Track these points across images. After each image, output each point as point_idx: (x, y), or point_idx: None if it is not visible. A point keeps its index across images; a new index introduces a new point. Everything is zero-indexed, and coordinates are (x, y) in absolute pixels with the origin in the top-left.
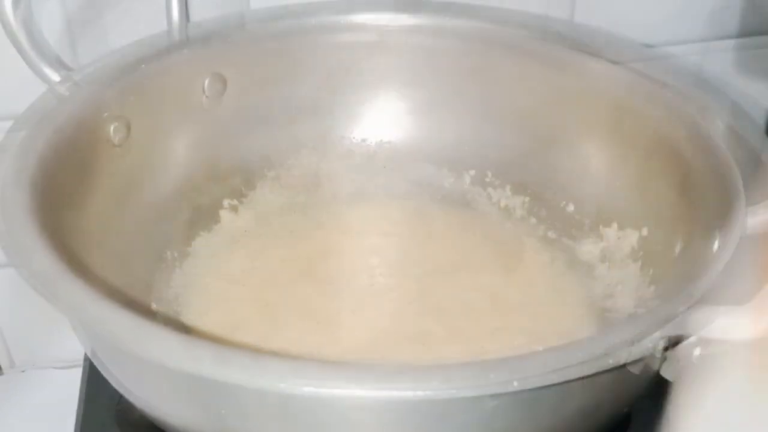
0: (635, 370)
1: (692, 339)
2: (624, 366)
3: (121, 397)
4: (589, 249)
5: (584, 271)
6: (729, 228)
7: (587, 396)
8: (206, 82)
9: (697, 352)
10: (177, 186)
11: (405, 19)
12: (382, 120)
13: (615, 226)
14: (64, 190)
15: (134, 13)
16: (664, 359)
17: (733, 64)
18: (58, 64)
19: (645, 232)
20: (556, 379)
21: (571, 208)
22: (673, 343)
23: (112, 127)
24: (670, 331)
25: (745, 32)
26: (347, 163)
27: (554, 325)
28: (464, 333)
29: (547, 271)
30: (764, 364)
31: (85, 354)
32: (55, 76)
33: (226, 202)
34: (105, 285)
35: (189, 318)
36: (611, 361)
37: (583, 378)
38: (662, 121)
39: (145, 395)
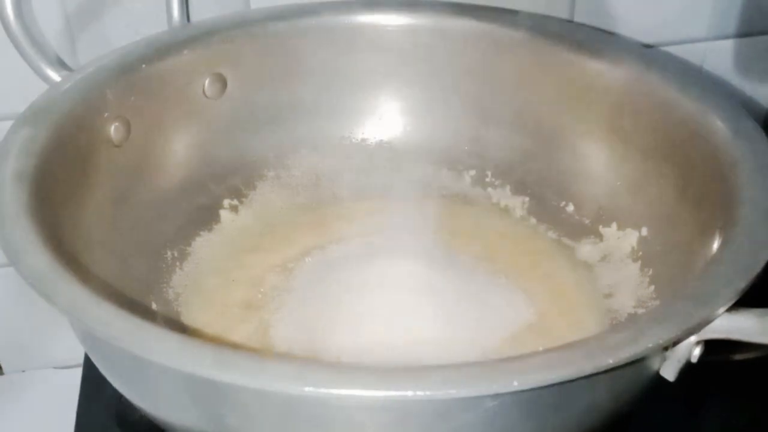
0: (635, 370)
1: (692, 339)
2: (624, 366)
3: (121, 397)
4: (589, 249)
5: (584, 271)
6: (729, 228)
7: (587, 396)
8: (206, 82)
9: (696, 351)
10: (177, 186)
11: (405, 19)
12: (382, 120)
13: (615, 226)
14: (64, 189)
15: (134, 13)
16: (664, 359)
17: (733, 64)
18: (58, 64)
19: (645, 232)
20: (556, 379)
21: (571, 208)
22: (673, 343)
23: (112, 127)
24: (670, 331)
25: (745, 32)
26: (347, 163)
27: (554, 325)
28: (463, 332)
29: (546, 271)
30: None
31: (85, 354)
32: (55, 76)
33: (226, 202)
34: (104, 285)
35: (189, 318)
36: (611, 361)
37: (583, 378)
38: (662, 121)
39: (145, 396)
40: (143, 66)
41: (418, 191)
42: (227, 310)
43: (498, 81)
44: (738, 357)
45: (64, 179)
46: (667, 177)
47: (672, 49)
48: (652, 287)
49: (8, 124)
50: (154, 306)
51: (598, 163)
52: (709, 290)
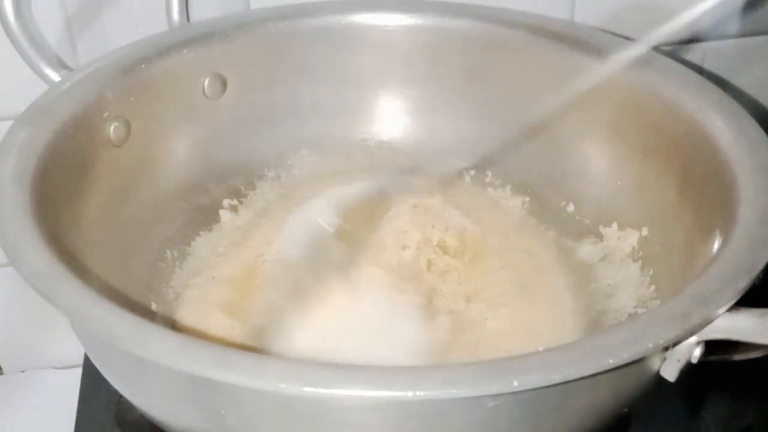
0: (635, 370)
1: (692, 339)
2: (624, 366)
3: (120, 397)
4: (589, 249)
5: (584, 271)
6: (729, 228)
7: (587, 396)
8: (206, 82)
9: (697, 352)
10: (177, 186)
11: (405, 19)
12: (382, 120)
13: (615, 226)
14: (64, 189)
15: (134, 13)
16: (664, 359)
17: (733, 64)
18: (58, 64)
19: (645, 232)
20: (556, 379)
21: (571, 208)
22: (674, 343)
23: (112, 127)
24: (671, 331)
25: (745, 32)
26: (347, 163)
27: (554, 325)
28: (463, 333)
29: (546, 271)
30: None
31: (85, 354)
32: (55, 76)
33: (226, 202)
34: (104, 285)
35: (188, 318)
36: (611, 361)
37: (583, 378)
38: (662, 120)
39: (144, 396)
40: (143, 66)
41: (418, 191)
42: (227, 310)
43: (498, 81)
44: (738, 357)
45: (64, 179)
46: (667, 177)
47: (672, 49)
48: (653, 287)
49: (8, 124)
50: (153, 306)
51: (598, 163)
52: (709, 290)
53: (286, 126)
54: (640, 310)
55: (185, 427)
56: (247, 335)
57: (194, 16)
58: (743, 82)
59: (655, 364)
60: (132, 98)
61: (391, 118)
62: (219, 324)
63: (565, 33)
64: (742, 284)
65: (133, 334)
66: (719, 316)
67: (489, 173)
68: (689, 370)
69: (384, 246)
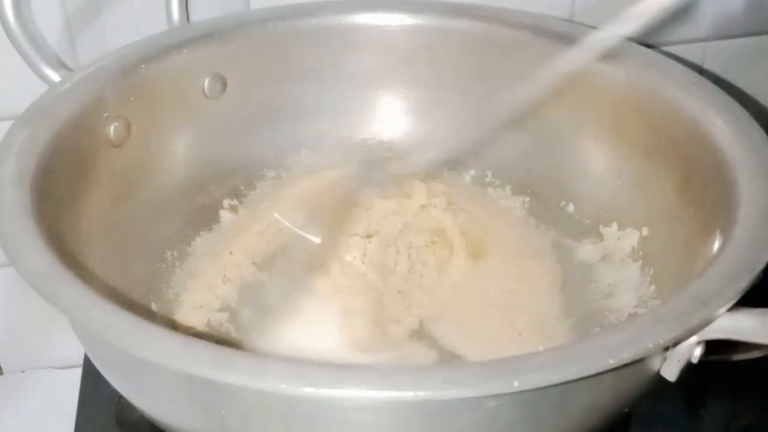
0: (635, 370)
1: (693, 339)
2: (624, 366)
3: (120, 397)
4: (589, 249)
5: (584, 271)
6: (729, 228)
7: (588, 396)
8: (206, 82)
9: (697, 352)
10: (177, 186)
11: (405, 19)
12: (382, 120)
13: (615, 226)
14: (64, 190)
15: (134, 13)
16: (664, 359)
17: (733, 64)
18: (58, 64)
19: (645, 232)
20: (556, 379)
21: (571, 208)
22: (674, 343)
23: (112, 127)
24: (671, 331)
25: (745, 32)
26: (347, 163)
27: (554, 325)
28: (463, 332)
29: (546, 271)
30: None
31: (85, 354)
32: (55, 76)
33: (226, 202)
34: (104, 285)
35: (188, 318)
36: (611, 361)
37: (583, 378)
38: (662, 120)
39: (144, 396)
40: (143, 66)
41: (418, 191)
42: (227, 310)
43: (498, 81)
44: (738, 357)
45: (64, 179)
46: (667, 177)
47: (672, 49)
48: (653, 287)
49: (8, 124)
50: (154, 306)
51: (598, 163)
52: (709, 290)
53: (286, 126)
54: (640, 310)
55: (185, 427)
56: (254, 336)
57: (194, 16)
58: (743, 82)
59: (655, 364)
60: (132, 98)
61: (391, 118)
62: (219, 324)
63: (565, 33)
64: (743, 284)
65: (133, 335)
66: (719, 316)
67: (489, 173)
68: (689, 370)
69: (383, 246)
